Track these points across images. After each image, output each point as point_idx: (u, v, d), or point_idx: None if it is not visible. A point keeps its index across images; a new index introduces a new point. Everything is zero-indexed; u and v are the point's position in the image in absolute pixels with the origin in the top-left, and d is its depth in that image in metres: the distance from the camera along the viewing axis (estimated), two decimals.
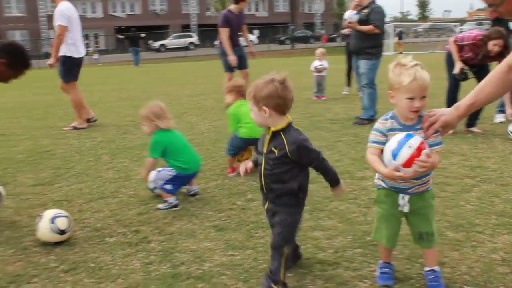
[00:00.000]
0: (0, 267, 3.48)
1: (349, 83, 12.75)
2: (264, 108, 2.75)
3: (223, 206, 4.55)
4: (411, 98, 2.73)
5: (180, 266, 3.42)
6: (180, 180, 4.67)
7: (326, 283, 3.13)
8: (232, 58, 9.78)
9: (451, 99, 7.39)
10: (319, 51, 12.26)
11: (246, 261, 3.41)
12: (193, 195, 4.88)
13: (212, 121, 9.18)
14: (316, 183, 5.09)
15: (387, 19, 9.89)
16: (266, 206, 3.03)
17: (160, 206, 4.56)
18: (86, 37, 63.36)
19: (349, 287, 3.06)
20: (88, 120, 8.93)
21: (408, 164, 2.71)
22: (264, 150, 2.89)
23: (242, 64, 10.17)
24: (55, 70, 8.79)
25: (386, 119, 2.90)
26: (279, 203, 2.91)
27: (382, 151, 2.85)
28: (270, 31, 62.26)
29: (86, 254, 3.66)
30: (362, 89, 8.62)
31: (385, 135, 2.87)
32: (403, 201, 2.93)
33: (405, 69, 2.71)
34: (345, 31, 11.09)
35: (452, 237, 3.73)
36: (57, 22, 8.23)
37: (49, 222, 3.78)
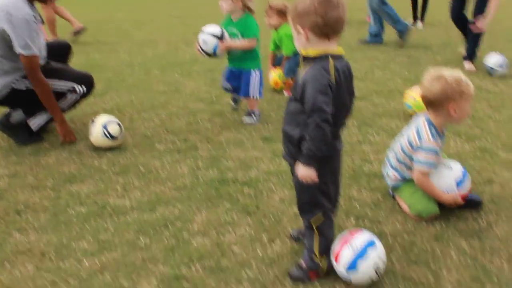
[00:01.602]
0: (56, 168, 3.65)
1: (415, 16, 10.15)
2: (299, 28, 2.15)
3: (271, 119, 4.59)
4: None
5: (227, 172, 3.51)
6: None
7: (371, 193, 3.17)
8: None
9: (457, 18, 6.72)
10: None
11: None
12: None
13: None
14: (365, 100, 5.07)
15: None
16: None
17: (248, 119, 4.57)
18: None
19: None
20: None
21: (465, 196, 2.89)
22: None
23: None
24: None
25: (435, 138, 2.85)
26: (286, 151, 2.35)
27: None
28: None
29: (136, 159, 3.78)
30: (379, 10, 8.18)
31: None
32: None
33: (464, 79, 2.77)
34: None
35: (504, 157, 3.68)
36: None
37: (101, 127, 3.91)
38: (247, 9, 4.40)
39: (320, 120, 2.04)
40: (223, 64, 6.85)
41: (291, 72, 5.31)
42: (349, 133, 4.19)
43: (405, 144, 2.94)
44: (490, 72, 6.05)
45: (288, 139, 2.27)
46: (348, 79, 2.21)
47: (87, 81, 4.31)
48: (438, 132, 2.87)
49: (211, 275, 2.41)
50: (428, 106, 2.88)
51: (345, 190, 3.19)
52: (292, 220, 2.86)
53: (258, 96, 4.57)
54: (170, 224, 2.86)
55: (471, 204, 2.96)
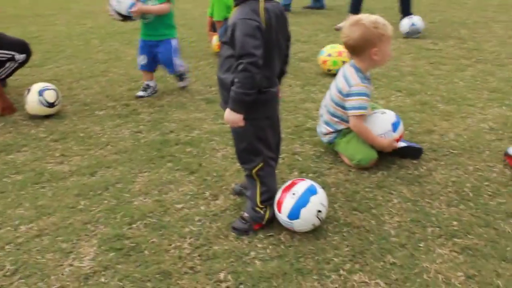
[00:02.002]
0: None
1: None
2: None
3: (214, 82, 4.52)
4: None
5: (169, 134, 3.44)
6: None
7: (313, 147, 3.17)
8: None
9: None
10: None
11: None
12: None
13: (204, 7, 8.94)
14: (309, 61, 5.08)
15: None
16: None
17: (182, 83, 4.43)
18: None
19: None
20: None
21: (399, 139, 2.93)
22: None
23: None
24: None
25: (364, 81, 2.86)
26: (222, 98, 2.26)
27: None
28: None
29: (75, 125, 3.67)
30: None
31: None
32: None
33: (381, 23, 2.76)
34: None
35: (443, 109, 3.74)
36: None
37: (37, 94, 3.76)
38: None
39: (249, 64, 1.96)
40: None
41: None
42: (292, 92, 4.19)
43: (335, 94, 2.93)
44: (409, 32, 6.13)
45: (222, 85, 2.19)
46: (281, 21, 2.14)
47: (25, 49, 4.17)
48: (364, 76, 2.88)
49: (153, 232, 2.36)
50: (351, 52, 2.89)
51: (288, 145, 3.18)
52: (235, 175, 2.83)
53: (182, 68, 4.32)
54: (111, 187, 2.79)
55: (412, 152, 3.00)
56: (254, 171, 2.26)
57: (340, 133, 2.98)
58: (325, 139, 3.04)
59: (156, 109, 3.92)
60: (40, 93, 3.75)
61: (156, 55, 4.18)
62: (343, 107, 2.90)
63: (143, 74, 4.29)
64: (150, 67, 4.25)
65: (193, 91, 4.30)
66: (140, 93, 4.22)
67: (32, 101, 3.77)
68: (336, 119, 2.97)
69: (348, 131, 2.96)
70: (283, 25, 2.16)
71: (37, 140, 3.43)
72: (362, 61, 2.85)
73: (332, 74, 4.50)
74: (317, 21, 7.38)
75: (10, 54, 4.00)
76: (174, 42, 4.19)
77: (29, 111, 3.82)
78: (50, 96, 3.78)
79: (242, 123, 2.09)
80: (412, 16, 6.27)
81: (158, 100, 4.09)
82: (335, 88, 2.93)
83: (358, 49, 2.80)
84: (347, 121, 2.93)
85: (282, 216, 2.26)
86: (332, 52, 4.58)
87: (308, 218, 2.22)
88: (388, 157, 2.96)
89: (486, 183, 2.70)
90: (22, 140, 3.45)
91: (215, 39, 5.49)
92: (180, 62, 4.25)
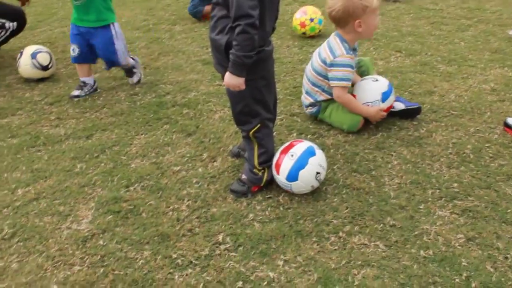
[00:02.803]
0: None
1: None
2: None
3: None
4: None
5: (165, 95, 3.40)
6: None
7: None
8: None
9: None
10: None
11: None
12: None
13: None
14: None
15: None
16: None
17: (131, 80, 3.68)
18: None
19: None
20: None
21: (388, 109, 2.87)
22: None
23: None
24: None
25: (348, 53, 2.77)
26: (215, 60, 2.23)
27: None
28: None
29: (70, 88, 3.61)
30: None
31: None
32: None
33: None
34: None
35: (443, 69, 3.69)
36: None
37: (30, 57, 3.69)
38: None
39: (247, 25, 1.90)
40: None
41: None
42: (290, 53, 4.12)
43: (318, 63, 2.86)
44: None
45: (215, 46, 2.13)
46: None
47: (19, 17, 4.08)
48: (350, 47, 2.82)
49: (151, 194, 2.34)
50: (335, 24, 2.81)
51: (286, 106, 3.15)
52: (232, 137, 2.80)
53: (130, 61, 3.61)
54: (108, 149, 2.76)
55: (411, 111, 2.96)
56: (251, 132, 2.23)
57: (320, 106, 2.93)
58: (308, 111, 3.00)
59: (151, 71, 3.86)
60: (33, 56, 3.69)
61: (92, 45, 3.44)
62: (326, 77, 2.84)
63: (77, 69, 3.55)
64: (85, 59, 3.49)
65: (189, 52, 4.23)
66: (75, 92, 3.50)
67: (25, 64, 3.71)
68: (316, 89, 2.91)
69: (326, 104, 2.91)
70: None
71: (32, 104, 3.39)
72: (347, 33, 2.78)
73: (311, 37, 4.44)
74: None
75: (0, 22, 3.91)
76: (114, 29, 3.43)
77: (22, 74, 3.76)
78: (43, 58, 3.72)
79: (243, 86, 2.05)
80: None
81: (154, 62, 4.03)
82: (318, 57, 2.87)
83: (342, 21, 2.73)
84: (327, 92, 2.88)
85: (281, 177, 2.24)
86: (315, 17, 4.45)
87: (307, 179, 2.20)
88: (389, 118, 2.93)
89: (487, 145, 2.67)
90: (16, 103, 3.41)
91: None
92: (125, 53, 3.51)
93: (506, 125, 2.83)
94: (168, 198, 2.30)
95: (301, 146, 2.25)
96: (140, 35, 4.79)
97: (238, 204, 2.25)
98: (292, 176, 2.20)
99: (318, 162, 2.22)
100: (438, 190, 2.31)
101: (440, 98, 3.22)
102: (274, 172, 2.27)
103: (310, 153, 2.23)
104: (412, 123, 2.92)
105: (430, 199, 2.26)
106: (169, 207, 2.25)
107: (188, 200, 2.28)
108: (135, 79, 3.63)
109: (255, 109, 2.19)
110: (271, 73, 2.28)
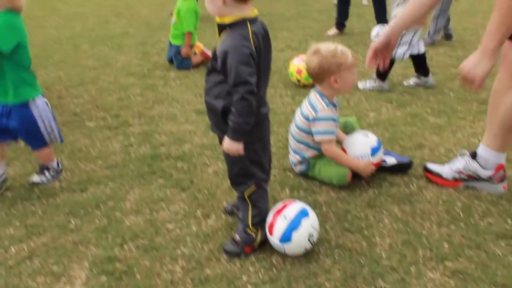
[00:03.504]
0: None
1: None
2: None
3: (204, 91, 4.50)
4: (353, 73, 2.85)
5: (160, 147, 3.43)
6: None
7: None
8: None
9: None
10: None
11: None
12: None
13: None
14: None
15: None
16: None
17: (37, 178, 3.06)
18: None
19: None
20: None
21: (377, 165, 2.93)
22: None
23: None
24: None
25: (329, 107, 2.86)
26: (212, 123, 2.27)
27: None
28: None
29: (65, 137, 3.61)
30: None
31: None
32: None
33: (339, 51, 2.76)
34: None
35: (433, 122, 3.76)
36: None
37: None
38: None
39: (245, 92, 1.95)
40: (156, 37, 6.73)
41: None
42: (283, 103, 4.18)
43: (300, 121, 2.92)
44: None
45: (212, 111, 2.18)
46: (267, 40, 2.10)
47: None
48: (330, 102, 2.89)
49: (145, 254, 2.35)
50: (313, 80, 2.91)
51: (279, 160, 3.18)
52: (226, 193, 2.82)
53: (53, 163, 3.05)
54: (102, 204, 2.77)
55: (402, 166, 3.01)
56: (246, 193, 2.26)
57: (308, 163, 2.96)
58: (297, 170, 3.03)
59: (146, 120, 3.90)
60: None
61: (6, 125, 2.78)
62: (309, 133, 2.89)
63: None
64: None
65: (183, 101, 4.29)
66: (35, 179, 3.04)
67: None
68: (302, 146, 2.96)
69: (314, 161, 2.95)
70: (268, 44, 2.12)
71: (26, 153, 3.40)
72: (325, 88, 2.87)
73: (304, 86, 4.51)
74: (307, 26, 7.38)
75: None
76: (36, 107, 2.79)
77: None
78: None
79: (242, 151, 2.10)
80: (385, 25, 6.24)
81: (148, 111, 4.07)
82: (301, 115, 2.93)
83: (319, 77, 2.83)
84: (313, 148, 2.93)
85: (274, 239, 2.25)
86: None
87: (300, 241, 2.22)
88: (380, 173, 2.97)
89: (477, 202, 2.71)
90: (11, 153, 3.42)
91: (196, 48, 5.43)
92: (53, 135, 2.91)
93: (426, 169, 2.96)
94: (163, 258, 2.31)
95: (294, 207, 2.28)
96: (135, 81, 4.85)
97: (231, 265, 2.26)
98: (285, 237, 2.22)
99: (311, 223, 2.25)
100: (429, 251, 2.33)
101: (430, 152, 3.27)
102: (268, 233, 2.28)
103: (303, 214, 2.25)
104: (403, 178, 2.96)
105: (421, 260, 2.27)
106: (163, 268, 2.25)
107: (182, 261, 2.29)
108: (36, 179, 3.03)
109: (252, 170, 2.22)
110: (267, 134, 2.32)
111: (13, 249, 2.42)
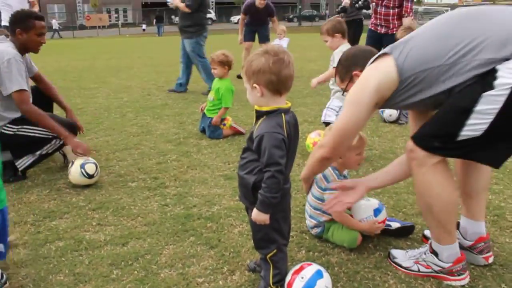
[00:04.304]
0: (37, 204, 3.53)
1: None
2: (255, 85, 2.04)
3: (232, 159, 4.56)
4: (359, 153, 2.89)
5: (192, 208, 3.45)
6: None
7: None
8: (240, 38, 9.67)
9: None
10: (280, 28, 10.21)
11: None
12: None
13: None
14: None
15: None
16: None
17: None
18: (116, 11, 63.26)
19: None
20: None
21: (383, 222, 2.89)
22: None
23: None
24: (90, 40, 8.65)
25: (340, 177, 2.92)
26: (241, 194, 2.33)
27: None
28: (280, 9, 61.39)
29: (110, 195, 3.69)
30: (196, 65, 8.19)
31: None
32: None
33: None
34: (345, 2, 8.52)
35: None
36: None
37: (79, 167, 3.82)
38: None
39: (276, 172, 2.02)
40: (191, 109, 6.88)
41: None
42: (300, 171, 4.19)
43: (316, 190, 2.94)
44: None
45: (243, 184, 2.23)
46: (296, 129, 2.20)
47: (72, 130, 4.24)
48: (341, 174, 2.94)
49: None
50: None
51: (296, 223, 3.17)
52: (250, 252, 2.81)
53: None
54: (140, 257, 2.78)
55: (405, 229, 3.00)
56: (268, 256, 2.27)
57: (324, 227, 2.95)
58: (313, 232, 3.02)
59: (181, 183, 3.94)
60: (82, 166, 3.81)
61: None
62: (323, 200, 2.91)
63: None
64: None
65: (213, 167, 4.34)
66: None
67: (75, 172, 3.83)
68: (318, 212, 2.96)
69: (329, 225, 2.93)
70: (297, 132, 2.21)
71: (77, 208, 3.46)
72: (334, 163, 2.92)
73: None
74: (322, 102, 7.47)
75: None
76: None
77: (71, 180, 3.87)
78: (90, 168, 3.84)
79: (268, 221, 2.13)
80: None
81: (183, 175, 4.12)
82: (316, 185, 2.96)
83: None
84: (326, 213, 2.91)
85: None
86: None
87: None
88: (385, 238, 2.95)
89: (472, 266, 2.66)
90: (64, 207, 3.48)
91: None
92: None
93: (424, 236, 2.95)
94: None
95: (310, 269, 2.27)
96: (172, 148, 4.94)
97: None
98: None
99: (325, 284, 2.23)
100: None
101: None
102: None
103: (318, 275, 2.25)
104: (406, 242, 2.93)
105: None
106: None
107: None
108: None
109: (273, 237, 2.24)
110: (288, 206, 2.36)
111: None
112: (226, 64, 5.37)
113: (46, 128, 3.98)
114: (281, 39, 10.05)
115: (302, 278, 2.23)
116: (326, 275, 2.28)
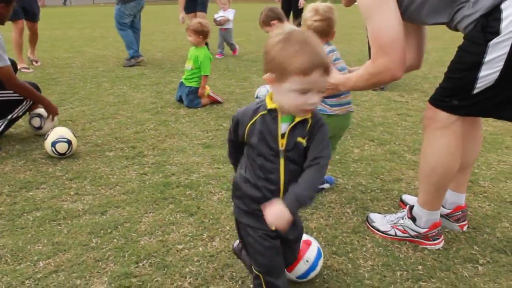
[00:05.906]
0: (12, 175, 3.48)
1: None
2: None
3: (211, 127, 4.56)
4: None
5: (171, 176, 3.45)
6: None
7: None
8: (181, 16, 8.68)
9: None
10: None
11: (229, 173, 3.44)
12: None
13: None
14: None
15: None
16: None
17: None
18: None
19: None
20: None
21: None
22: (281, 147, 1.72)
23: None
24: (62, 9, 8.42)
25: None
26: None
27: None
28: None
29: (88, 165, 3.66)
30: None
31: None
32: None
33: None
34: None
35: (409, 158, 3.80)
36: None
37: (50, 146, 3.75)
38: None
39: (325, 165, 1.74)
40: (168, 78, 6.81)
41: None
42: None
43: None
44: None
45: None
46: None
47: (37, 88, 4.33)
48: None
49: (157, 271, 2.36)
50: None
51: None
52: (229, 218, 2.84)
53: None
54: (120, 226, 2.78)
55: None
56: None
57: None
58: None
59: (159, 152, 3.93)
60: (53, 144, 3.74)
61: None
62: None
63: None
64: None
65: (191, 135, 4.33)
66: None
67: (48, 147, 3.77)
68: None
69: None
70: None
71: (54, 179, 3.42)
72: None
73: None
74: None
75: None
76: None
77: (47, 151, 3.81)
78: (61, 148, 3.75)
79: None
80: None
81: (161, 144, 4.10)
82: None
83: None
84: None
85: (291, 275, 2.21)
86: None
87: (312, 276, 2.25)
88: (364, 203, 3.00)
89: (446, 230, 2.74)
90: (41, 178, 3.44)
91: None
92: None
93: (402, 201, 3.01)
94: (173, 275, 2.32)
95: (313, 250, 2.23)
96: (150, 117, 4.90)
97: (233, 282, 2.27)
98: (303, 276, 2.21)
99: (323, 261, 2.27)
100: (405, 272, 2.35)
101: (407, 185, 3.31)
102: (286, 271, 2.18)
103: (319, 255, 2.25)
104: (383, 208, 2.99)
105: (398, 280, 2.29)
106: (173, 284, 2.26)
107: (190, 278, 2.30)
108: None
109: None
110: None
111: (41, 263, 2.43)
112: (201, 33, 5.31)
113: (36, 101, 4.12)
114: (225, 10, 8.82)
115: (307, 261, 2.21)
116: (321, 250, 2.29)
